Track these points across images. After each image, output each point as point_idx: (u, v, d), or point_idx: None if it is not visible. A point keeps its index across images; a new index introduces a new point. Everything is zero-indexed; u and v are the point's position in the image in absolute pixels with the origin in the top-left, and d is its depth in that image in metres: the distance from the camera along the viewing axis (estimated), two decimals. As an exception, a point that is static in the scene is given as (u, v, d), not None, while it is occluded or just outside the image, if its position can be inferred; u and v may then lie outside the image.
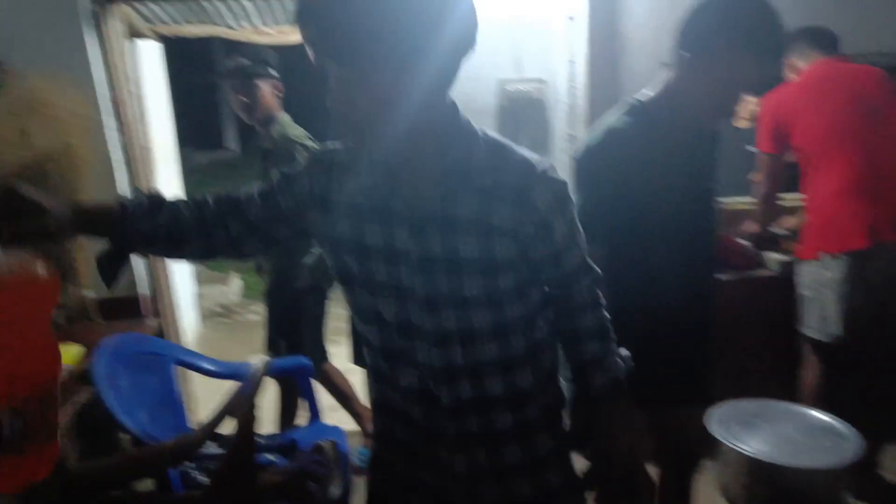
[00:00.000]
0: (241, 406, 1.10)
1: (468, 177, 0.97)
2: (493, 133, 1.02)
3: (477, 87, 2.92)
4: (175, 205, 1.08)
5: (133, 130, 2.63)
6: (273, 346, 2.74)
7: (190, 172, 4.97)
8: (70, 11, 2.45)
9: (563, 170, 1.08)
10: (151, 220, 1.04)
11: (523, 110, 3.05)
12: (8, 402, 0.93)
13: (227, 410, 1.43)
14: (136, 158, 2.65)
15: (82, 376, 1.77)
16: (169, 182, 3.89)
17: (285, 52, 2.87)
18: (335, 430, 2.13)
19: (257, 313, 5.32)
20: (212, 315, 5.14)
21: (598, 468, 1.15)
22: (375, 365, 1.11)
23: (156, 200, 1.07)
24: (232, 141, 9.13)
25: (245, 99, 2.59)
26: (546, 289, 1.10)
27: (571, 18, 2.84)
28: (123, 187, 2.61)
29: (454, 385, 1.04)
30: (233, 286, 5.53)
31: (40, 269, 0.91)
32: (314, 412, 2.20)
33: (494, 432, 1.07)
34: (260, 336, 2.96)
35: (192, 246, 1.08)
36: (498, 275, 0.99)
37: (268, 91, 2.63)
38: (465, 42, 0.92)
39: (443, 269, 0.98)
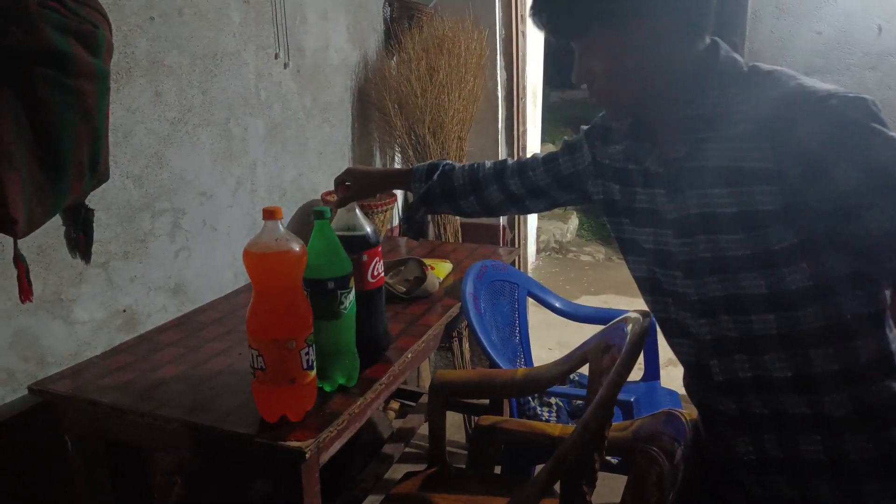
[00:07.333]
0: (622, 364, 1.11)
1: (719, 124, 0.88)
2: (783, 72, 0.87)
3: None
4: (450, 167, 1.36)
5: (517, 69, 2.79)
6: None
7: (545, 110, 5.16)
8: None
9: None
10: (428, 181, 1.35)
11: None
12: (256, 345, 1.11)
13: (585, 357, 1.46)
14: (516, 95, 2.82)
15: (450, 290, 1.98)
16: (533, 119, 4.08)
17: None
18: (672, 395, 2.05)
19: (590, 254, 5.42)
20: (547, 249, 5.38)
21: None
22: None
23: (433, 165, 1.37)
24: (585, 82, 9.23)
25: None
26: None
27: None
28: (501, 123, 2.81)
29: (726, 360, 0.94)
30: (571, 224, 5.68)
31: (294, 244, 1.12)
32: (652, 370, 2.14)
33: (783, 418, 0.93)
34: (589, 276, 3.02)
35: (466, 201, 1.33)
36: (764, 230, 0.86)
37: None
38: None
39: (700, 228, 0.91)
